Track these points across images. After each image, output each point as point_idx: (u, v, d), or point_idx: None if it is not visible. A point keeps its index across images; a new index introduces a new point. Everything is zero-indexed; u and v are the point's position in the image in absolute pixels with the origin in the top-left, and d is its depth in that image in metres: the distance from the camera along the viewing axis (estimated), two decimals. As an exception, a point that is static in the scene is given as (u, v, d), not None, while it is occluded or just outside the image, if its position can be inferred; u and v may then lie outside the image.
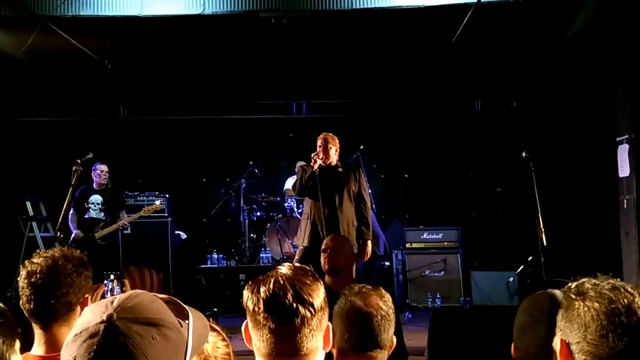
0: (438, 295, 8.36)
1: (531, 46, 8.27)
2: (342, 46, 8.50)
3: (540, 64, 8.68)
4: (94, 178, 8.05)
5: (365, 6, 6.94)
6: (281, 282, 1.68)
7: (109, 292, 5.41)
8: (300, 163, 10.08)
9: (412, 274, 8.81)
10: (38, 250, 2.48)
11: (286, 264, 1.81)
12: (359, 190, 6.41)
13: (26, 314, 2.33)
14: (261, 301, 1.66)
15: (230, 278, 8.82)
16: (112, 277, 6.53)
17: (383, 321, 2.34)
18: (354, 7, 6.92)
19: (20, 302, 2.34)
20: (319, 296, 1.71)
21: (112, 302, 1.29)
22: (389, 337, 2.36)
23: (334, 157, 6.40)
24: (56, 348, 1.78)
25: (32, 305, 2.30)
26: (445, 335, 5.04)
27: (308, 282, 1.72)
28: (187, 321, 1.37)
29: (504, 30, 7.77)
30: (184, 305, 1.41)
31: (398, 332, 2.74)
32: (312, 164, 6.22)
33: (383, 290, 2.47)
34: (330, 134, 6.46)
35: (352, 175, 6.39)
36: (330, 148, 6.35)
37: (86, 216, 8.00)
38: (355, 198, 6.37)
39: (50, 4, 7.13)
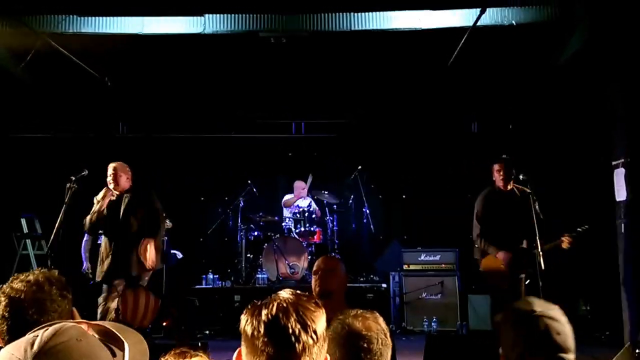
0: (434, 319, 8.30)
1: (526, 69, 8.31)
2: (340, 67, 8.53)
3: (535, 86, 8.70)
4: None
5: (363, 28, 6.96)
6: (284, 306, 1.61)
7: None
8: (298, 182, 10.10)
9: (409, 297, 8.72)
10: (16, 274, 2.29)
11: (287, 289, 1.75)
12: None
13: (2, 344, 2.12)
14: (262, 325, 1.57)
15: (224, 299, 8.64)
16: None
17: (382, 344, 2.25)
18: (352, 28, 6.95)
19: None
20: (321, 323, 1.64)
21: (33, 345, 1.11)
22: None
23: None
24: None
25: (11, 337, 2.10)
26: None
27: (311, 308, 1.65)
28: (122, 352, 1.22)
29: (499, 53, 7.81)
30: (118, 334, 1.26)
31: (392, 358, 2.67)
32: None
33: (377, 314, 2.38)
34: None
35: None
36: (121, 176, 6.85)
37: (99, 242, 8.00)
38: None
39: (52, 21, 7.13)
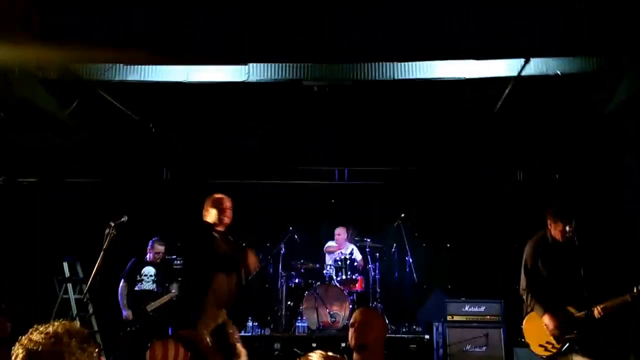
0: (479, 372, 8.09)
1: (573, 117, 8.17)
2: (384, 114, 8.51)
3: (582, 134, 8.54)
4: (148, 253, 8.08)
5: (407, 77, 6.91)
6: None
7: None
8: (339, 229, 10.02)
9: (452, 348, 8.49)
10: (36, 325, 2.24)
11: (317, 352, 1.66)
12: None
13: None
14: None
15: (264, 347, 8.46)
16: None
17: None
18: (395, 77, 6.90)
19: None
20: None
21: None
22: None
23: None
24: None
25: None
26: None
27: None
28: None
29: (544, 102, 7.72)
30: None
31: None
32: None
33: None
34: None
35: None
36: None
37: (137, 288, 7.99)
38: None
39: (98, 70, 7.23)
